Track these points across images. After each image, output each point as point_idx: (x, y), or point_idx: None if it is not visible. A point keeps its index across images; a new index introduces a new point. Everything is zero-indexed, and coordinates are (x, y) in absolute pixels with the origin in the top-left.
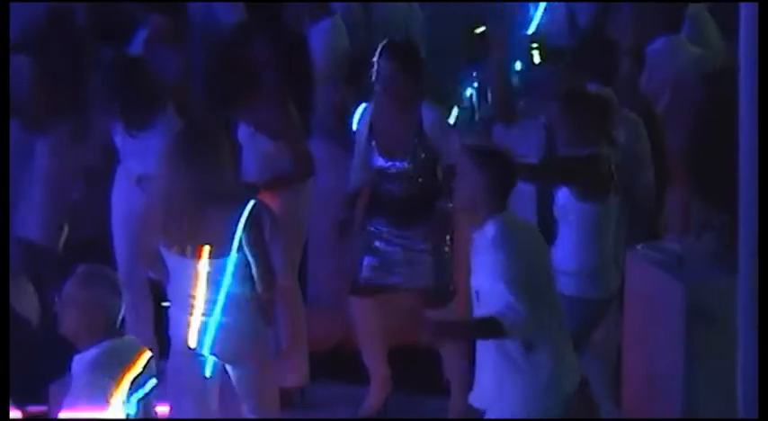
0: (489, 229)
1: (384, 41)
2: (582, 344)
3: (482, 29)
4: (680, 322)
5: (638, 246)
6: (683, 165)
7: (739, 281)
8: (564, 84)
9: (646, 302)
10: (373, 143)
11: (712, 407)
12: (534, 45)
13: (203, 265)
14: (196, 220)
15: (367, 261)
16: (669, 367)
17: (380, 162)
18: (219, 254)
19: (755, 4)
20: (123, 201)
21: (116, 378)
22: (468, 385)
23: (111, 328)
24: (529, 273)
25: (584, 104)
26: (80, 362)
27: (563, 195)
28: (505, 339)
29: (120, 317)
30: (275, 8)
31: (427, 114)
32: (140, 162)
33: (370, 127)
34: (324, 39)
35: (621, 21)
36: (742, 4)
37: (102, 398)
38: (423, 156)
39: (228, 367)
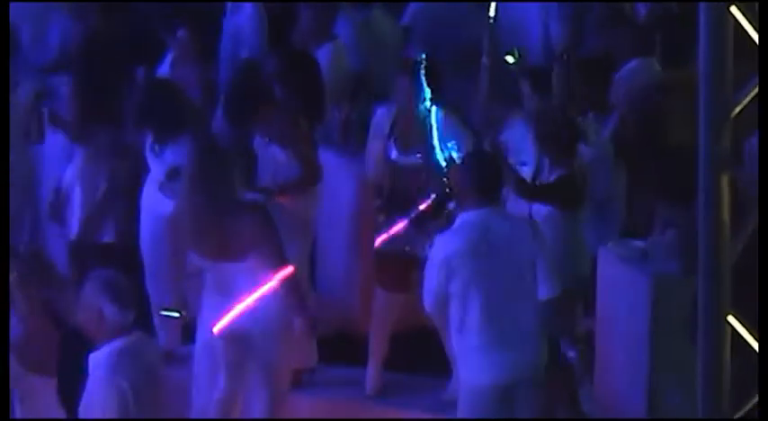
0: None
1: (408, 59)
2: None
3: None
4: (645, 311)
5: (609, 243)
6: (648, 168)
7: (699, 273)
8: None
9: (614, 293)
10: (392, 139)
11: (675, 385)
12: (511, 57)
13: (230, 265)
14: (217, 229)
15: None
16: (635, 350)
17: (396, 155)
18: (239, 256)
19: (714, 20)
20: (150, 206)
21: (124, 374)
22: None
23: (120, 328)
24: (439, 266)
25: (556, 134)
26: (93, 359)
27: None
28: None
29: (131, 316)
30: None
31: (440, 117)
32: (165, 169)
33: (391, 126)
34: (327, 61)
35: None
36: (701, 21)
37: (113, 393)
38: (433, 152)
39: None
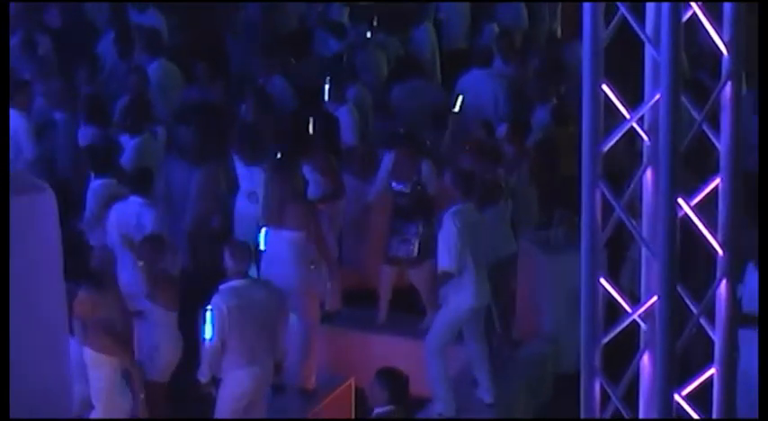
0: None
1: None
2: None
3: None
4: (545, 278)
5: (525, 233)
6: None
7: (581, 252)
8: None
9: (528, 267)
10: (393, 175)
11: (568, 319)
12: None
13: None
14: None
15: (390, 243)
16: (541, 300)
17: (395, 185)
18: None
19: (592, 95)
20: (240, 208)
21: (225, 301)
22: None
23: (235, 273)
24: (457, 235)
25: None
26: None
27: None
28: None
29: (246, 266)
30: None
31: (423, 166)
32: (250, 183)
33: (393, 167)
34: (345, 118)
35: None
36: (585, 94)
37: (216, 312)
38: (417, 185)
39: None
